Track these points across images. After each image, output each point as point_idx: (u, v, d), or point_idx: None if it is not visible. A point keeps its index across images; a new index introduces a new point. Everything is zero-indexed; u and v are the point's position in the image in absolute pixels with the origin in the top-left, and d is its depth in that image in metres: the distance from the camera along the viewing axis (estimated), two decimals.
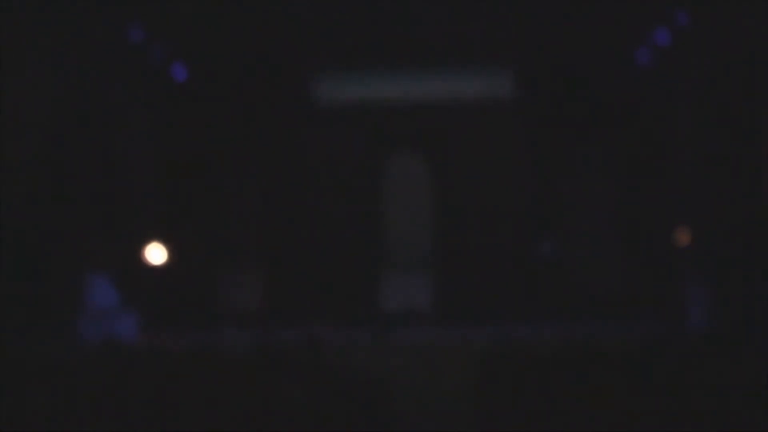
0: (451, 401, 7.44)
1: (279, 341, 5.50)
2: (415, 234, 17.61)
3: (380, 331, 12.47)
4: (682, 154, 15.64)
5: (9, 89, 12.08)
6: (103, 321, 12.85)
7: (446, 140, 17.59)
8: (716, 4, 13.59)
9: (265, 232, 17.64)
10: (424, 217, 17.65)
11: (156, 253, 15.94)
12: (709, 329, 12.47)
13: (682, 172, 15.68)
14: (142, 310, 14.07)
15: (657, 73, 16.00)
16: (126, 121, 15.75)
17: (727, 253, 13.52)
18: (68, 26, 13.24)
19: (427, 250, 17.54)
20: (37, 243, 12.80)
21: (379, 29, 15.85)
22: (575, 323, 14.34)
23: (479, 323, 14.55)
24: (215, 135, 17.54)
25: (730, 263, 13.35)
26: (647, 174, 16.59)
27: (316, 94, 17.71)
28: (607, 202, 17.28)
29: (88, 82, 14.32)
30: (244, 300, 17.22)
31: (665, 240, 15.89)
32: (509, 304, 16.13)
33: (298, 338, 5.81)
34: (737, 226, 13.43)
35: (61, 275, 13.25)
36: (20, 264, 12.17)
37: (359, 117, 17.59)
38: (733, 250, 13.41)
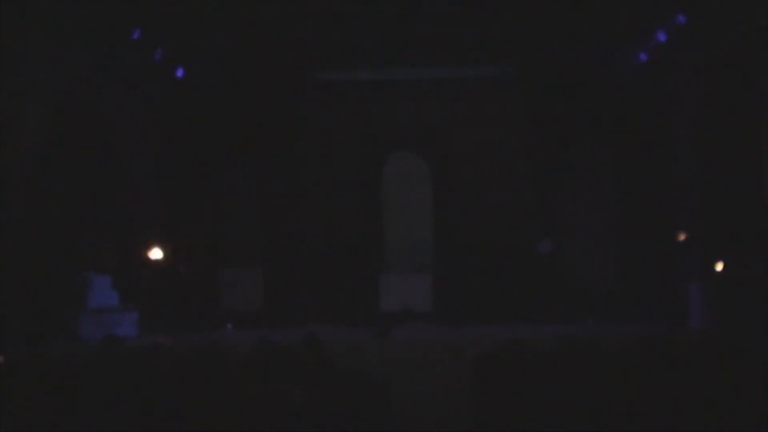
0: (451, 401, 7.44)
1: (279, 341, 5.49)
2: (415, 232, 17.63)
3: (380, 330, 12.46)
4: (682, 152, 15.64)
5: (9, 89, 12.09)
6: (103, 321, 12.85)
7: (446, 140, 17.62)
8: (715, 3, 13.60)
9: (265, 232, 17.65)
10: (424, 215, 17.67)
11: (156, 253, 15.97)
12: (709, 329, 12.47)
13: (682, 170, 15.68)
14: (142, 310, 14.08)
15: (656, 71, 16.02)
16: (126, 120, 15.75)
17: (727, 254, 13.52)
18: (69, 25, 13.24)
19: (426, 249, 17.56)
20: (37, 243, 12.80)
21: (376, 28, 15.83)
22: (575, 323, 14.34)
23: (479, 323, 14.55)
24: (215, 135, 17.55)
25: (730, 263, 13.34)
26: (647, 173, 16.59)
27: (316, 93, 17.71)
28: (607, 202, 17.29)
29: (88, 81, 14.33)
30: (244, 300, 17.22)
31: (665, 239, 15.89)
32: (509, 304, 16.12)
33: (298, 338, 5.80)
34: (737, 227, 13.43)
35: (61, 275, 13.26)
36: (20, 264, 12.18)
37: (359, 116, 17.60)
38: (733, 251, 13.41)
